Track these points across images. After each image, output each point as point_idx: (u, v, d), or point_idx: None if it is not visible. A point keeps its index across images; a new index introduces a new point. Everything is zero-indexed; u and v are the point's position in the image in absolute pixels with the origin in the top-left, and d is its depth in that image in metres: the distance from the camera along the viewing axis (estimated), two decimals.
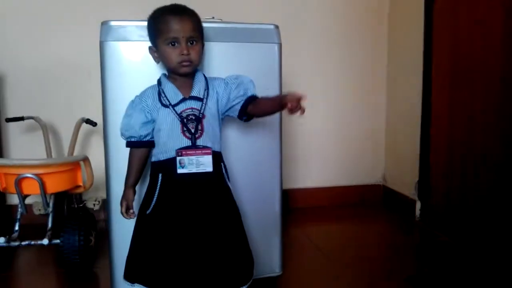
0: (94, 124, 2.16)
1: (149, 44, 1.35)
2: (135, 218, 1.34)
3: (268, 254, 1.62)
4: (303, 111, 1.19)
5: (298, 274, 1.75)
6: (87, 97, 2.37)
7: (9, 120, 2.13)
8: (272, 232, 1.64)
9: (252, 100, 1.34)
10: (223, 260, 1.29)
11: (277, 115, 1.58)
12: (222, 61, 1.50)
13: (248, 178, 1.55)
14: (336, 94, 2.70)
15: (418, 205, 2.39)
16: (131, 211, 1.32)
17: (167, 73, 1.36)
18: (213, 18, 1.50)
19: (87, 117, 2.17)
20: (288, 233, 2.14)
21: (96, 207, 2.41)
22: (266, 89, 1.53)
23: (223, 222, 1.31)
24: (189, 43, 1.26)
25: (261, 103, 1.34)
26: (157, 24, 1.27)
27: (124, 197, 1.33)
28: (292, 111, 1.18)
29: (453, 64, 2.12)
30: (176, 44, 1.25)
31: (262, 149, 1.59)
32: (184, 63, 1.27)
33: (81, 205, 2.37)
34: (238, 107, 1.34)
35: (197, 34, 1.29)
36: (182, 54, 1.25)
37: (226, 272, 1.29)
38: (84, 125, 2.18)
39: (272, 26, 1.55)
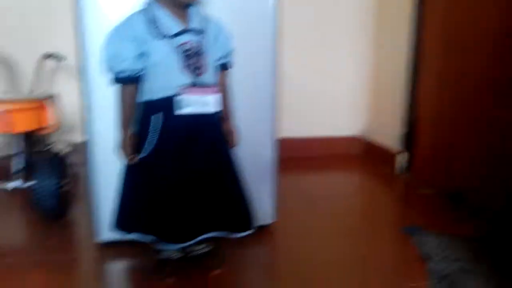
0: (60, 59, 1.94)
1: None
2: (123, 163, 1.20)
3: (261, 203, 1.53)
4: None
5: (291, 224, 1.68)
6: (49, 31, 2.12)
7: None
8: (265, 180, 1.57)
9: (226, 67, 1.27)
10: (226, 205, 1.21)
11: (271, 60, 1.48)
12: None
13: (242, 123, 1.44)
14: (320, 47, 2.60)
15: (401, 157, 2.37)
16: (134, 154, 1.16)
17: None
18: None
19: (51, 51, 1.94)
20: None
21: (65, 151, 2.22)
22: (260, 36, 1.44)
23: (223, 167, 1.21)
24: None
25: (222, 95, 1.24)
26: None
27: (125, 140, 1.16)
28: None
29: (446, 10, 2.03)
30: None
31: (255, 94, 1.49)
32: None
33: (48, 147, 2.18)
34: (217, 63, 1.24)
35: None
36: None
37: (230, 217, 1.21)
38: (50, 60, 1.96)
39: None
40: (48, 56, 1.94)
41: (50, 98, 1.72)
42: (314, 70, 2.61)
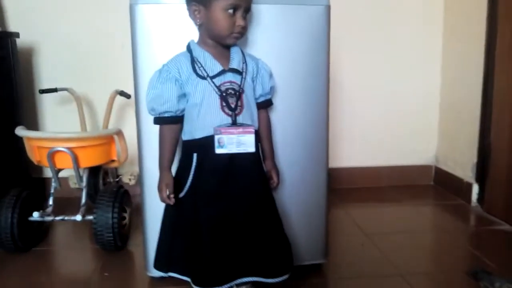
0: (128, 96, 2.07)
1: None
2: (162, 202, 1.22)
3: (312, 240, 1.49)
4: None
5: (343, 262, 1.62)
6: (120, 68, 2.25)
7: (42, 91, 2.07)
8: (316, 216, 1.50)
9: (267, 105, 1.28)
10: (262, 249, 1.18)
11: (323, 88, 1.43)
12: (264, 24, 1.35)
13: (292, 156, 1.42)
14: (385, 66, 2.49)
15: (475, 188, 2.18)
16: (172, 195, 1.18)
17: (199, 39, 1.21)
18: None
19: (121, 89, 2.08)
20: (331, 215, 2.00)
21: (132, 182, 2.35)
22: (313, 56, 1.39)
23: (261, 209, 1.19)
24: (244, 13, 1.13)
25: (263, 133, 1.26)
26: None
27: (163, 181, 1.19)
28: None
29: None
30: (235, 12, 1.11)
31: (307, 124, 1.44)
32: (236, 35, 1.14)
33: (117, 179, 2.32)
34: (257, 101, 1.25)
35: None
36: (238, 25, 1.12)
37: (266, 262, 1.18)
38: (119, 97, 2.10)
39: None
40: (118, 93, 2.08)
41: (118, 133, 1.82)
42: (378, 92, 2.51)
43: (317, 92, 1.42)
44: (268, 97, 1.27)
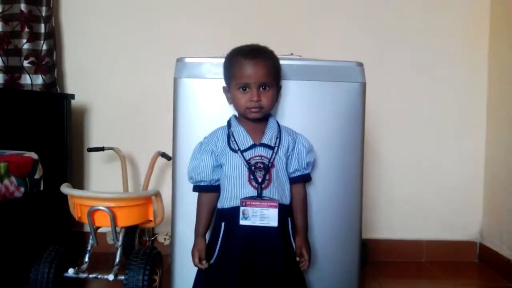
0: (169, 158, 2.15)
1: (223, 81, 1.30)
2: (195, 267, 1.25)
3: None
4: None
5: None
6: (164, 131, 2.37)
7: (90, 150, 2.19)
8: None
9: (303, 180, 1.29)
10: None
11: (357, 163, 1.44)
12: (300, 100, 1.40)
13: (323, 227, 1.41)
14: (427, 137, 2.45)
15: None
16: (204, 261, 1.22)
17: (237, 115, 1.30)
18: (291, 54, 1.41)
19: (163, 151, 2.17)
20: None
21: (167, 242, 2.37)
22: (347, 132, 1.42)
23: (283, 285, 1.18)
24: (261, 89, 1.20)
25: (296, 208, 1.28)
26: (231, 66, 1.23)
27: (196, 246, 1.24)
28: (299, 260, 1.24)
29: None
30: (246, 89, 1.20)
31: (339, 198, 1.44)
32: (253, 109, 1.21)
33: (152, 238, 2.36)
34: (292, 176, 1.28)
35: (270, 80, 1.22)
36: (251, 101, 1.19)
37: None
38: (161, 158, 2.18)
39: (354, 64, 1.43)
40: (160, 154, 2.17)
41: (156, 194, 1.88)
42: (419, 161, 2.45)
43: (351, 167, 1.44)
44: (305, 172, 1.29)
